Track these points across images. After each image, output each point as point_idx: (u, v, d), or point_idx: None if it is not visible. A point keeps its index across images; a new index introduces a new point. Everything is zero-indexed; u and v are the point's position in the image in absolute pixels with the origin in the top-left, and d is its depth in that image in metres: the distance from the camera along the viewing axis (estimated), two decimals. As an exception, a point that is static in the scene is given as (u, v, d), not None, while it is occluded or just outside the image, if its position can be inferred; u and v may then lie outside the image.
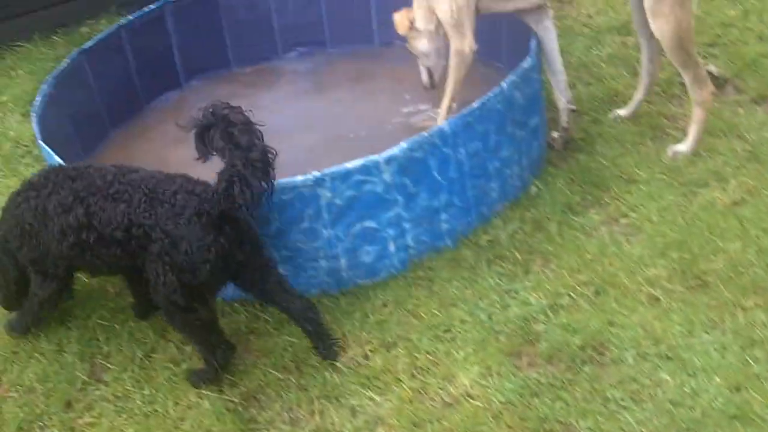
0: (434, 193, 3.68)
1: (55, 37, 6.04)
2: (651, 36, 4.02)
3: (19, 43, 6.01)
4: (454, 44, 4.07)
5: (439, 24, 4.15)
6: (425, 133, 3.59)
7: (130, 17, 5.00)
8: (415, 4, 4.20)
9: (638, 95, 4.33)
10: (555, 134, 4.29)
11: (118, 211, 3.24)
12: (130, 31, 4.89)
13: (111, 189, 3.29)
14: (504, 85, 3.76)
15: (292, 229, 3.59)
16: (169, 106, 5.06)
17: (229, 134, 3.15)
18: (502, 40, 4.66)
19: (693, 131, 4.11)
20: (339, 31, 4.69)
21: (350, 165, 3.50)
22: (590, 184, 4.00)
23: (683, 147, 4.12)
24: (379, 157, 3.51)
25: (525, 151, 3.97)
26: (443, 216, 3.73)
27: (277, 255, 3.61)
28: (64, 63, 4.67)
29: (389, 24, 4.58)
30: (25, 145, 5.07)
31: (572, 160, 4.16)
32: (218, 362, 3.37)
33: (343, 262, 3.67)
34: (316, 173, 3.48)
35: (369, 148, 4.25)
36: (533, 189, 4.01)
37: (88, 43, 4.81)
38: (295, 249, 3.63)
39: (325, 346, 3.42)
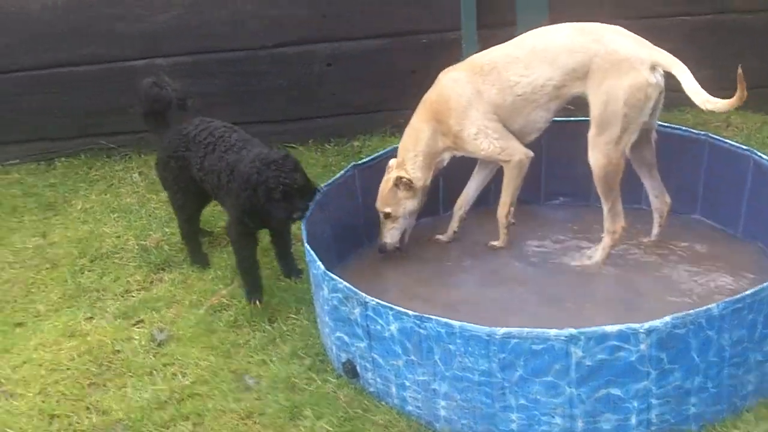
0: (689, 374, 3.56)
1: (327, 146, 6.36)
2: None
3: (293, 145, 6.35)
4: (512, 159, 4.67)
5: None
6: (691, 312, 3.51)
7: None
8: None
9: None
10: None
11: None
12: (404, 154, 5.05)
13: None
14: (780, 276, 3.65)
15: (534, 380, 3.56)
16: (423, 230, 5.16)
17: None
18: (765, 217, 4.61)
19: (599, 254, 4.64)
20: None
21: (608, 328, 3.45)
22: None
23: (590, 261, 4.66)
24: (640, 326, 3.45)
25: (789, 348, 3.80)
26: (693, 399, 3.60)
27: (513, 403, 3.60)
28: (338, 174, 4.91)
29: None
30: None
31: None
32: None
33: (579, 424, 3.59)
34: (572, 330, 3.46)
35: (620, 311, 4.24)
36: (791, 390, 3.83)
37: (364, 160, 5.05)
38: (533, 400, 3.59)
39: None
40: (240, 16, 6.23)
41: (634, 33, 4.52)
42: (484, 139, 4.63)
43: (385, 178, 4.82)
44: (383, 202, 4.79)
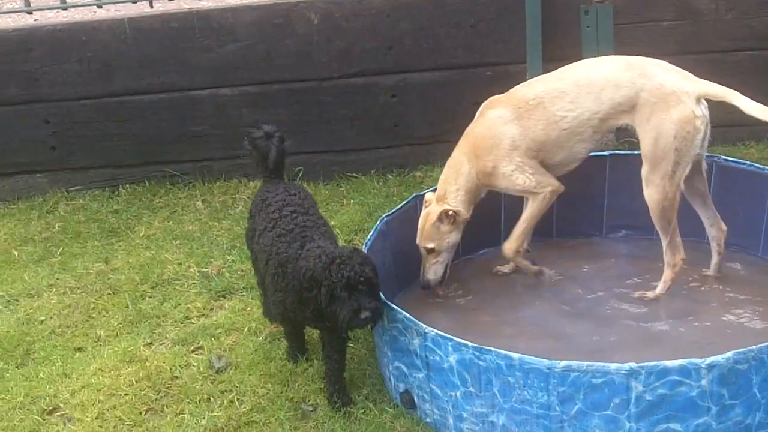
0: (750, 410, 3.50)
1: (389, 176, 6.39)
2: None
3: (356, 175, 6.42)
4: (545, 192, 4.64)
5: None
6: (753, 347, 3.45)
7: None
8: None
9: None
10: None
11: None
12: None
13: None
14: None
15: (593, 414, 3.51)
16: (485, 261, 5.16)
17: None
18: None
19: (660, 287, 4.60)
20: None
21: (669, 363, 3.40)
22: None
23: (651, 294, 4.61)
24: (701, 361, 3.40)
25: None
26: (754, 435, 3.54)
27: (570, 435, 3.55)
28: (401, 204, 4.92)
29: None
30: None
31: None
32: None
33: (639, 458, 3.54)
34: (633, 364, 3.41)
35: (681, 345, 4.18)
36: None
37: (426, 190, 5.02)
38: (591, 434, 3.55)
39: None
40: (306, 47, 6.29)
41: (701, 69, 4.48)
42: (521, 174, 4.62)
43: (423, 212, 4.79)
44: (426, 238, 4.73)
